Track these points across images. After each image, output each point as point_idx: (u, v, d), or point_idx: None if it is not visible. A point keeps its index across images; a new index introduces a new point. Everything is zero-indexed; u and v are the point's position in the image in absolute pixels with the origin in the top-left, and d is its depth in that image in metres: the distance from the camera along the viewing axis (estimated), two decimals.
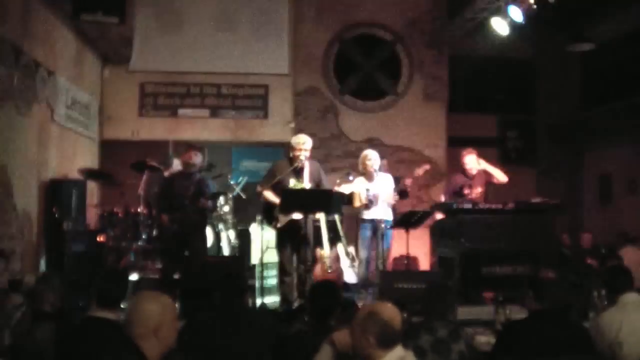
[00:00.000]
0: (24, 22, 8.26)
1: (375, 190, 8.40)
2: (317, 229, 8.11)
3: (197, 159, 8.11)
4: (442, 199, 9.44)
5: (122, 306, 4.55)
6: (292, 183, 7.70)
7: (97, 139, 11.43)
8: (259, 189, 7.79)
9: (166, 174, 9.07)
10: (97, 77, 11.47)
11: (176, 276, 7.81)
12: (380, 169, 8.63)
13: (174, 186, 7.95)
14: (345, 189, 8.37)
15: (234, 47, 11.72)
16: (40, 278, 5.37)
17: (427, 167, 9.12)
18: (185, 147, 8.50)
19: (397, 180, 8.80)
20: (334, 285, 4.83)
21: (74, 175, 9.55)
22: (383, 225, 8.31)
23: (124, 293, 4.52)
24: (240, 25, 11.82)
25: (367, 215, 8.41)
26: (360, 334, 3.47)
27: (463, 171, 9.19)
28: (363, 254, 8.48)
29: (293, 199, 7.52)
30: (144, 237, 8.86)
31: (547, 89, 14.58)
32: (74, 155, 10.19)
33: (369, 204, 8.33)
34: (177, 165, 9.32)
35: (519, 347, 4.24)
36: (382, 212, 8.38)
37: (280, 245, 7.83)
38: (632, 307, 4.68)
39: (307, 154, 7.75)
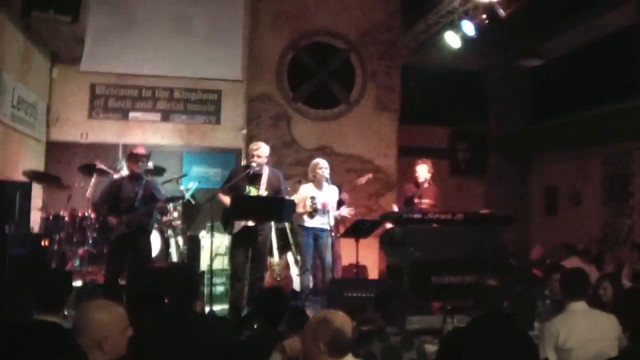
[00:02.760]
0: None
1: (323, 199, 8.38)
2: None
3: (143, 164, 7.98)
4: (395, 208, 9.52)
5: (65, 312, 4.45)
6: (248, 189, 7.69)
7: (44, 140, 11.19)
8: (217, 193, 7.75)
9: (115, 176, 8.93)
10: (46, 77, 11.24)
11: (121, 281, 7.67)
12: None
13: (122, 189, 7.81)
14: (294, 196, 8.37)
15: (188, 52, 11.60)
16: None
17: (369, 176, 9.22)
18: (129, 154, 8.35)
19: (339, 190, 8.81)
20: (280, 292, 4.80)
21: (19, 177, 9.32)
22: (325, 234, 8.29)
23: (67, 296, 4.42)
24: (195, 29, 11.71)
25: (309, 223, 8.35)
26: (312, 341, 3.46)
27: (414, 181, 9.31)
28: (305, 261, 8.43)
29: (244, 206, 7.50)
30: (90, 241, 8.71)
31: (497, 101, 14.83)
32: (19, 156, 9.96)
33: (313, 212, 8.29)
34: (127, 168, 9.18)
35: (461, 355, 4.27)
36: (326, 221, 8.33)
37: (234, 251, 7.80)
38: (580, 314, 4.75)
39: (262, 160, 7.76)
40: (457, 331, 4.75)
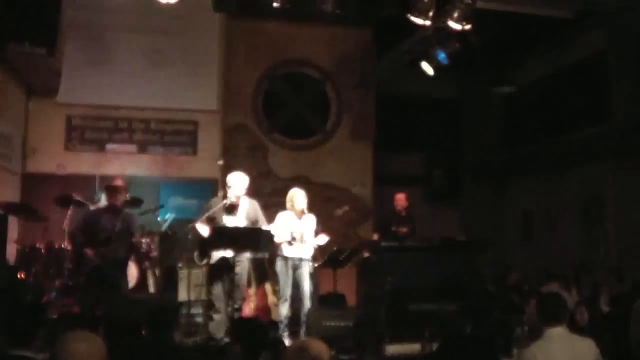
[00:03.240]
0: None
1: (301, 228, 8.39)
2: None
3: (121, 197, 7.98)
4: (375, 237, 9.59)
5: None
6: (225, 220, 7.70)
7: (20, 172, 11.12)
8: (194, 224, 7.75)
9: (92, 208, 8.90)
10: (22, 109, 11.20)
11: (97, 312, 7.61)
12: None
13: (99, 221, 7.79)
14: (272, 226, 8.37)
15: (163, 83, 11.62)
16: None
17: (346, 208, 9.26)
18: (107, 186, 8.34)
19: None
20: (258, 322, 4.80)
21: None
22: (303, 264, 8.29)
23: (38, 329, 4.39)
24: (171, 61, 11.74)
25: (287, 252, 8.31)
26: None
27: (392, 209, 9.41)
28: (284, 291, 8.40)
29: (222, 236, 7.52)
30: (66, 273, 8.66)
31: (471, 128, 14.99)
32: None
33: (291, 242, 8.29)
34: (104, 200, 9.14)
35: None
36: (304, 251, 8.32)
37: (212, 281, 7.82)
38: (557, 340, 4.77)
39: (239, 191, 7.79)
40: (427, 357, 4.78)
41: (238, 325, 4.79)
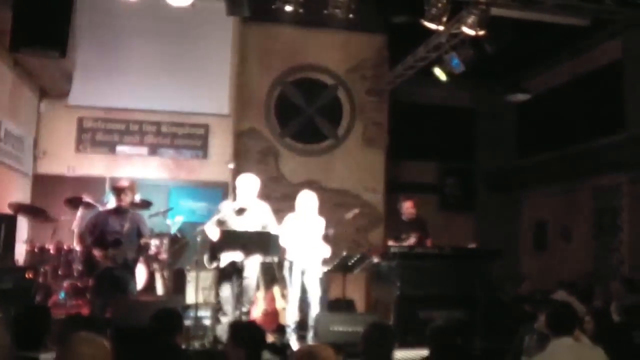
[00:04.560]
0: None
1: (310, 232, 8.34)
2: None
3: (127, 197, 7.94)
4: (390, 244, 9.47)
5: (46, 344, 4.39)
6: (235, 224, 7.68)
7: (31, 173, 11.14)
8: (204, 227, 7.72)
9: (101, 209, 8.89)
10: (34, 111, 11.23)
11: (107, 314, 7.59)
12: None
13: (108, 222, 7.77)
14: (281, 228, 8.32)
15: (175, 86, 11.61)
16: None
17: (356, 211, 9.14)
18: (114, 187, 8.33)
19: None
20: (255, 327, 4.72)
21: (4, 209, 9.27)
22: (312, 268, 8.23)
23: (45, 332, 4.36)
24: (183, 64, 11.72)
25: (297, 257, 8.26)
26: None
27: (400, 217, 9.31)
28: (293, 296, 8.35)
29: (231, 240, 7.52)
30: (75, 274, 8.65)
31: (485, 137, 14.94)
32: (5, 189, 9.91)
33: (298, 246, 8.25)
34: (113, 202, 9.13)
35: None
36: (312, 254, 8.26)
37: (221, 285, 7.84)
38: (565, 350, 4.70)
39: (250, 194, 7.77)
40: None
41: (236, 329, 4.69)
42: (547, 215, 13.83)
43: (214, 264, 7.80)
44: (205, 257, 7.94)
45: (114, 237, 7.67)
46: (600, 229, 12.14)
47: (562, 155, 12.89)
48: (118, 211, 7.87)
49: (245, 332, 4.52)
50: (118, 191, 7.90)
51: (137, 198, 8.89)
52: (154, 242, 9.27)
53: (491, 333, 7.95)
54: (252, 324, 5.02)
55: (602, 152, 11.75)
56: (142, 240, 7.84)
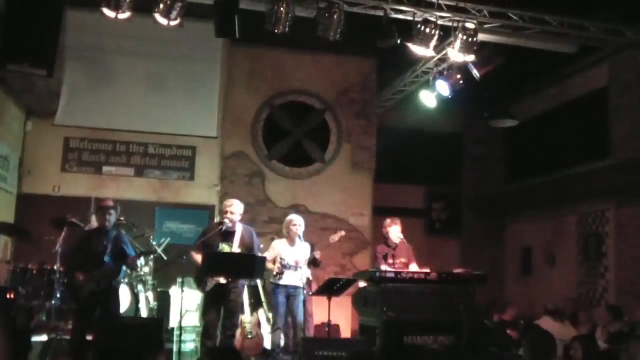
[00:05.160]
0: None
1: (295, 255, 8.33)
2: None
3: (111, 217, 7.85)
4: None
5: None
6: (220, 246, 7.65)
7: (15, 192, 11.05)
8: (190, 251, 7.68)
9: (86, 228, 8.81)
10: (20, 130, 11.17)
11: (88, 337, 7.49)
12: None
13: (90, 243, 7.67)
14: (267, 253, 8.31)
15: (163, 107, 11.59)
16: None
17: (342, 233, 9.08)
18: (98, 206, 8.26)
19: (312, 247, 8.71)
20: (234, 352, 4.69)
21: None
22: (297, 292, 8.19)
23: (26, 353, 4.31)
24: (171, 85, 11.72)
25: (282, 280, 8.29)
26: None
27: (386, 241, 9.23)
28: (277, 319, 8.32)
29: (216, 263, 7.48)
30: (58, 295, 8.54)
31: (472, 161, 14.97)
32: None
33: (283, 270, 8.23)
34: (94, 221, 9.05)
35: None
36: (298, 278, 8.26)
37: (206, 308, 7.77)
38: None
39: (235, 217, 7.80)
40: None
41: (214, 356, 4.65)
42: (533, 240, 13.85)
43: (201, 287, 7.74)
44: (190, 279, 7.89)
45: (97, 258, 7.56)
46: (586, 254, 12.16)
47: (548, 181, 12.93)
48: (101, 231, 7.77)
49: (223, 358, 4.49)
50: (100, 210, 7.82)
51: (122, 217, 8.82)
52: (138, 263, 9.17)
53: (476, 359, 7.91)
54: (230, 349, 4.97)
55: (588, 178, 11.78)
56: (129, 259, 7.75)
